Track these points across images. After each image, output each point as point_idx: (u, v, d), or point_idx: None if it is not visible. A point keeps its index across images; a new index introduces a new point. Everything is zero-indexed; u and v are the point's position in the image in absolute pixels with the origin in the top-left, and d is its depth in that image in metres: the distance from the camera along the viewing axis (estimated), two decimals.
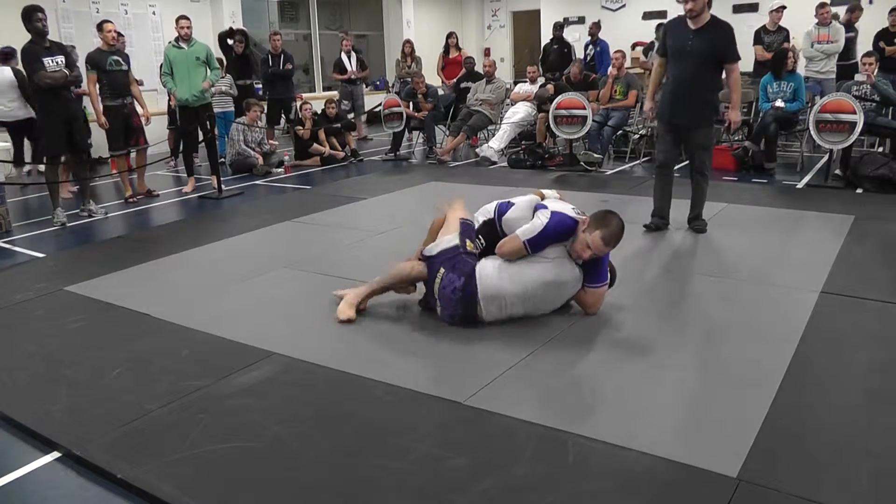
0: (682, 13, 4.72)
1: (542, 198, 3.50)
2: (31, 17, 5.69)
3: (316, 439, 2.42)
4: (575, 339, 3.16)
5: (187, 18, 6.97)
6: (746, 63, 9.60)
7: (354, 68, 10.44)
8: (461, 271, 3.22)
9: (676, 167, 5.31)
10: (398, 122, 8.99)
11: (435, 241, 3.41)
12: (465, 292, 3.21)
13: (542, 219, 3.24)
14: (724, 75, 4.83)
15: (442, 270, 3.25)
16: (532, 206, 3.40)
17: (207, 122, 7.10)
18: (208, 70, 6.99)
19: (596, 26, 10.73)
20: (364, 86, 11.26)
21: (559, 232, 3.23)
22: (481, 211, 3.66)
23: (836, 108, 6.28)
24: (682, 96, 4.74)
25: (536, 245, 3.23)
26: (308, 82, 13.05)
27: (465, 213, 3.53)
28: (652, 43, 10.23)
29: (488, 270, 3.25)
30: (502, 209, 3.52)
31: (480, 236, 3.59)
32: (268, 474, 2.22)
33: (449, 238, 3.35)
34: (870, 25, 9.20)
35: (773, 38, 8.53)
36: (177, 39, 6.96)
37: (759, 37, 8.73)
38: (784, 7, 8.68)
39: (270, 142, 8.64)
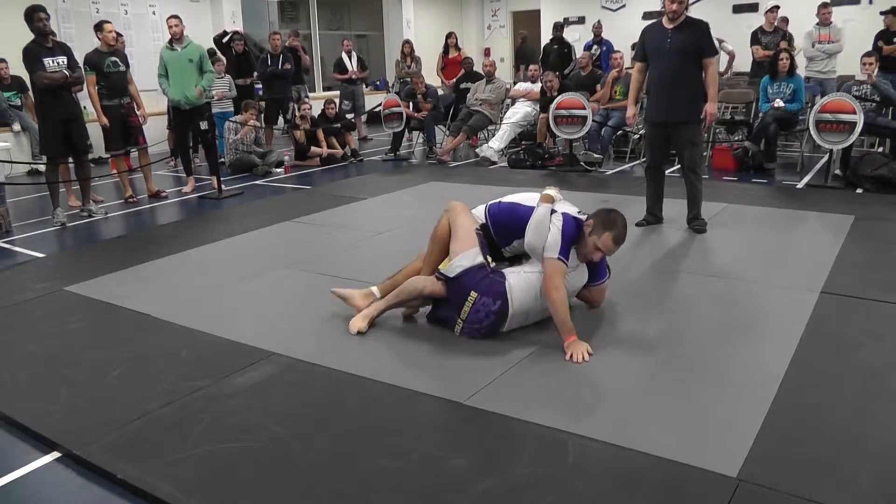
0: (663, 17, 4.85)
1: (552, 201, 3.32)
2: (33, 17, 5.70)
3: (316, 439, 2.42)
4: None
5: (175, 17, 6.92)
6: (745, 63, 9.67)
7: (355, 68, 10.45)
8: (495, 293, 3.11)
9: (669, 170, 5.36)
10: (398, 122, 8.99)
11: (449, 257, 3.25)
12: (498, 315, 3.13)
13: (556, 225, 3.14)
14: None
15: (474, 294, 3.11)
16: (546, 219, 3.22)
17: (206, 122, 7.09)
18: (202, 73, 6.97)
19: (600, 26, 10.76)
20: (364, 86, 11.26)
21: (572, 233, 3.16)
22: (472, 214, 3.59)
23: (836, 108, 6.28)
24: (665, 94, 4.82)
25: (565, 252, 3.11)
26: (307, 82, 13.02)
27: (471, 219, 3.37)
28: None
29: (520, 288, 3.14)
30: (492, 211, 3.45)
31: None
32: (268, 474, 2.22)
33: (471, 255, 3.18)
34: (870, 25, 9.20)
35: (771, 39, 8.55)
36: (170, 41, 6.96)
37: (757, 37, 8.75)
38: (777, 7, 8.69)
39: (249, 124, 8.45)
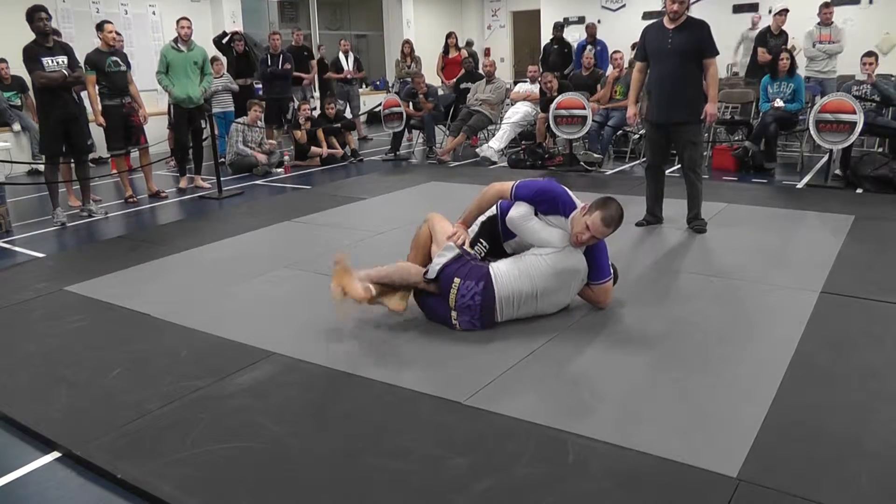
0: (662, 16, 4.86)
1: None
2: (34, 17, 5.71)
3: (316, 439, 2.42)
4: (575, 340, 3.16)
5: (187, 19, 7.00)
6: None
7: (351, 68, 10.46)
8: (477, 275, 3.17)
9: (669, 169, 5.36)
10: (398, 122, 8.99)
11: (431, 262, 3.30)
12: (484, 296, 3.16)
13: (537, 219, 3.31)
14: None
15: (457, 280, 3.16)
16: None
17: (204, 122, 7.11)
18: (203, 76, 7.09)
19: (594, 26, 10.76)
20: (363, 86, 11.28)
21: (550, 191, 3.30)
22: None
23: (836, 108, 6.28)
24: (666, 95, 4.82)
25: (522, 188, 3.32)
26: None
27: (448, 224, 3.45)
28: None
29: (503, 270, 3.21)
30: (504, 206, 3.47)
31: (482, 239, 3.56)
32: (268, 474, 2.22)
33: (446, 252, 3.25)
34: (870, 25, 9.21)
35: (776, 42, 8.53)
36: (176, 40, 6.98)
37: (764, 39, 8.73)
38: (787, 10, 8.68)
39: (269, 141, 8.60)
